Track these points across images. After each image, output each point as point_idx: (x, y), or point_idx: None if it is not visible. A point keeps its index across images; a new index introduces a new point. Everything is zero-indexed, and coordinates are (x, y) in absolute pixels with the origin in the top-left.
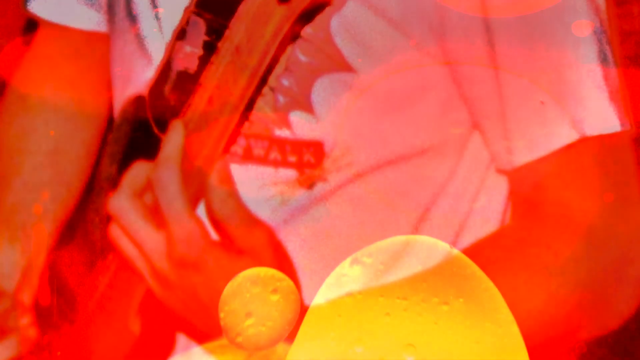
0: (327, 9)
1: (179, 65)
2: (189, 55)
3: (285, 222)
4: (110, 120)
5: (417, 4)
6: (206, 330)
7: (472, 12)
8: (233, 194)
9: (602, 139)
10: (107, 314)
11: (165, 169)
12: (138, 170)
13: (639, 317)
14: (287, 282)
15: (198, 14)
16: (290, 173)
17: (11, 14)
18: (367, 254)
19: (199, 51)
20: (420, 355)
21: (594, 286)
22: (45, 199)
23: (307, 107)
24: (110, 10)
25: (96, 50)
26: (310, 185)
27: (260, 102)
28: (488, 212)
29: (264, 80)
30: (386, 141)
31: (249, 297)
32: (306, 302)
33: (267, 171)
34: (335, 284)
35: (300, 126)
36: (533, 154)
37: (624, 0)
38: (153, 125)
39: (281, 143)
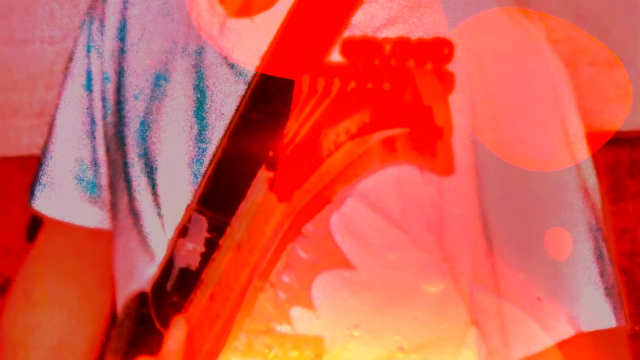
0: (327, 207)
1: (181, 261)
2: (191, 252)
3: None
4: (113, 316)
5: (415, 202)
6: None
7: (470, 208)
8: None
9: (598, 334)
10: None
11: None
12: None
13: None
14: None
15: (200, 212)
16: None
17: (16, 211)
18: None
19: (201, 248)
20: None
21: None
22: None
23: (307, 303)
24: (114, 208)
25: (99, 247)
26: None
27: (261, 298)
28: None
29: (264, 277)
30: (385, 336)
31: None
32: None
33: None
34: None
35: (301, 322)
36: (530, 349)
37: (619, 198)
38: (155, 321)
39: (282, 338)
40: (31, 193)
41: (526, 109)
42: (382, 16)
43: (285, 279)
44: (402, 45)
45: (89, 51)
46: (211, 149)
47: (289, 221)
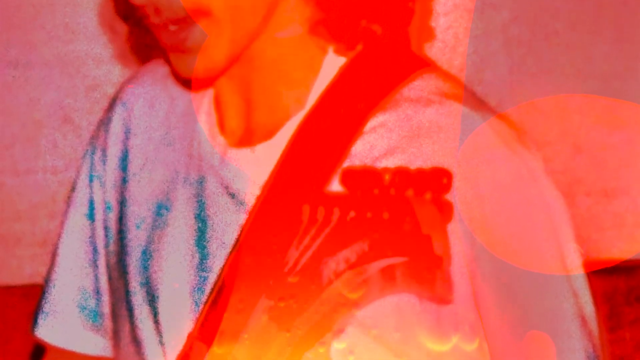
0: (327, 335)
1: None
2: None
3: None
4: None
5: (414, 330)
6: None
7: (468, 337)
8: None
9: None
10: None
11: None
12: None
13: None
14: None
15: (201, 340)
16: None
17: (19, 339)
18: None
19: None
20: None
21: None
22: None
23: None
24: (116, 336)
25: None
26: None
27: None
28: None
29: None
30: None
31: None
32: None
33: None
34: None
35: None
36: None
37: (616, 326)
38: None
39: None
40: (34, 321)
41: (524, 238)
42: (381, 146)
43: None
44: (401, 175)
45: (91, 181)
46: (212, 277)
47: (290, 350)
